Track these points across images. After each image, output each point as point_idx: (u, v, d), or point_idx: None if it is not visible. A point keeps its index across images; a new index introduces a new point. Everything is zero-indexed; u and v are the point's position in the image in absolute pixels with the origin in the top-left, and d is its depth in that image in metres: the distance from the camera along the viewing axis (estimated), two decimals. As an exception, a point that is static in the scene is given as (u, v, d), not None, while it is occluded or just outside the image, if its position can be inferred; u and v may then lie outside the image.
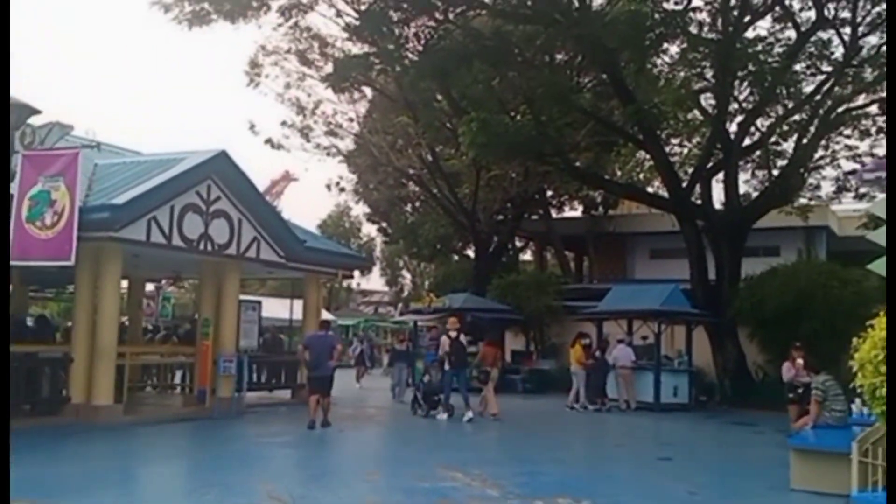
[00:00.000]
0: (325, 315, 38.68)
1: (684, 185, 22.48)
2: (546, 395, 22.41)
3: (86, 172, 14.72)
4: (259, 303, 17.80)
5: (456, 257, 35.48)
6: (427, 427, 14.62)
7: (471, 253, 33.32)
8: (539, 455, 11.29)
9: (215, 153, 14.95)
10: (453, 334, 15.77)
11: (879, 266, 7.12)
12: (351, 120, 30.89)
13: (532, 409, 19.07)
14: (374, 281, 63.20)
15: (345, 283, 56.93)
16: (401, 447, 12.57)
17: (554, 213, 34.44)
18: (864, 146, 24.47)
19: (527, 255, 41.92)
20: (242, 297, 17.52)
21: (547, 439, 13.33)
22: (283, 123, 29.24)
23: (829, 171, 26.03)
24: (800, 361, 12.12)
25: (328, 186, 35.70)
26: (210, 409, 15.44)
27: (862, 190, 25.43)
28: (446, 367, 15.57)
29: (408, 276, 61.54)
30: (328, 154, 31.21)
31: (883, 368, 5.79)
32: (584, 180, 25.68)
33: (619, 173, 31.80)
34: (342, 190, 35.57)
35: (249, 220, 15.84)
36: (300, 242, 16.93)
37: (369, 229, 48.75)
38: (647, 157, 32.08)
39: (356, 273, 58.82)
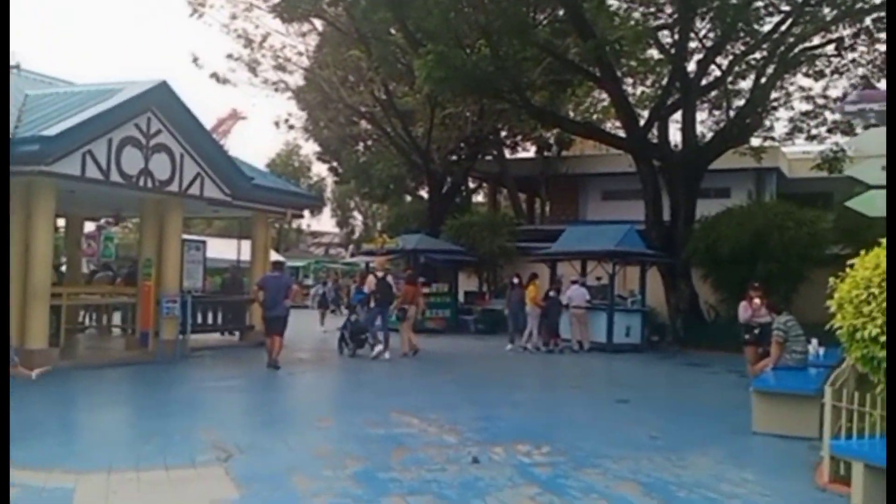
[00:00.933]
0: (275, 256, 38.09)
1: (641, 123, 22.12)
2: (498, 335, 22.23)
3: (15, 103, 13.78)
4: (204, 242, 17.13)
5: (409, 198, 34.84)
6: (381, 371, 14.26)
7: (424, 194, 32.77)
8: (495, 398, 11.02)
9: (156, 83, 14.05)
10: (380, 274, 16.59)
11: (859, 203, 6.82)
12: (300, 54, 29.77)
13: (485, 350, 18.86)
14: (324, 222, 62.37)
15: (294, 224, 56.21)
16: (355, 392, 12.19)
17: (508, 154, 34.00)
18: (818, 87, 24.42)
19: (480, 197, 41.50)
20: (187, 236, 16.90)
21: (502, 382, 13.08)
22: (230, 57, 28.03)
23: (782, 113, 26.03)
24: (756, 301, 11.90)
25: (276, 124, 34.72)
26: (153, 352, 14.86)
27: (814, 132, 25.52)
28: (372, 304, 16.15)
29: (359, 217, 60.79)
30: (276, 90, 30.14)
31: (865, 309, 5.51)
32: (540, 118, 25.14)
33: (572, 115, 31.36)
34: (291, 127, 34.52)
35: (192, 155, 15.03)
36: (247, 180, 16.18)
37: (320, 169, 47.76)
38: (603, 97, 31.85)
39: (306, 214, 58.03)
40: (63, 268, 21.05)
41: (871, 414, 6.06)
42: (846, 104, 6.67)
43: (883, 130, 6.66)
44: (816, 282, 17.88)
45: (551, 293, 18.85)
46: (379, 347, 15.74)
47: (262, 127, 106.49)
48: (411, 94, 26.45)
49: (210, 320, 17.87)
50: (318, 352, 17.32)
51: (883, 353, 5.42)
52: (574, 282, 19.66)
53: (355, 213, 61.03)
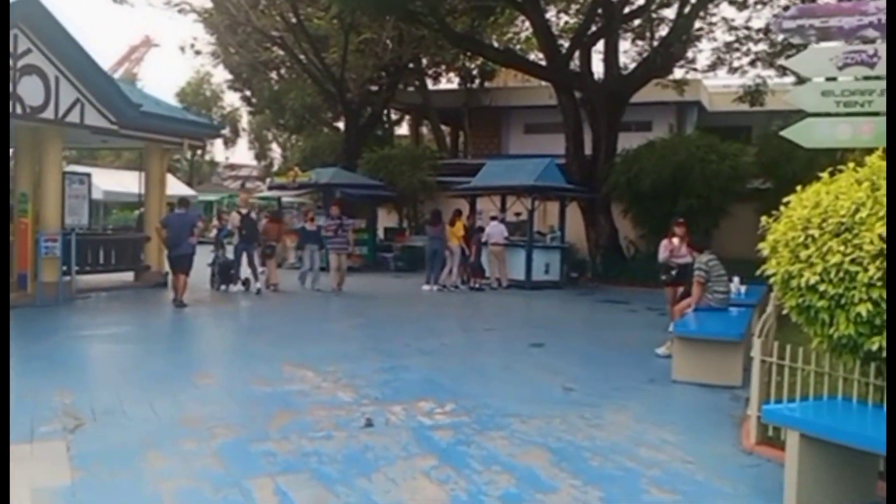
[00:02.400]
0: (184, 190, 36.29)
1: (563, 52, 21.23)
2: (418, 273, 21.42)
3: None
4: (88, 175, 15.64)
5: (326, 130, 33.30)
6: (283, 315, 13.30)
7: (342, 125, 31.34)
8: (404, 346, 10.21)
9: (20, -5, 12.41)
10: (244, 211, 16.41)
11: (795, 133, 6.09)
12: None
13: (403, 289, 18.06)
14: (242, 154, 60.07)
15: (207, 157, 53.92)
16: (249, 340, 11.19)
17: (430, 85, 32.75)
18: (741, 18, 23.94)
19: (403, 130, 40.20)
20: (78, 169, 15.46)
21: (415, 326, 12.27)
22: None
23: (705, 44, 25.52)
24: (675, 241, 11.20)
25: (182, 48, 32.47)
26: (32, 295, 13.54)
27: (736, 64, 25.12)
28: (236, 241, 16.31)
29: (278, 149, 58.64)
30: (180, 11, 28.04)
31: (803, 253, 4.79)
32: (460, 45, 23.93)
33: (495, 45, 30.25)
34: (198, 53, 32.38)
35: (69, 78, 13.48)
36: (134, 107, 14.70)
37: (233, 98, 45.50)
38: (525, 27, 30.84)
39: (220, 146, 55.89)
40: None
41: (804, 369, 5.43)
42: (784, 20, 5.90)
43: (825, 48, 5.92)
44: (738, 216, 17.72)
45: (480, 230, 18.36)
46: (257, 284, 16.15)
47: (174, 55, 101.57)
48: (324, 18, 24.87)
49: (102, 260, 16.49)
50: (215, 293, 16.19)
51: (822, 303, 4.74)
52: (493, 218, 18.90)
53: (273, 146, 58.87)
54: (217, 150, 55.60)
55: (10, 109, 12.51)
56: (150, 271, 17.08)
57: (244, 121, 52.01)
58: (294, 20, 25.14)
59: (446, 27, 21.30)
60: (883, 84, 5.68)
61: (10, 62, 12.41)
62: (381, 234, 25.77)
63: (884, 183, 4.66)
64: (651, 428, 6.28)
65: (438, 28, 21.12)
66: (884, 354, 4.49)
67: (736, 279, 10.85)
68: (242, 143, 56.70)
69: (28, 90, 12.76)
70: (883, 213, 4.49)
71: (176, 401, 6.91)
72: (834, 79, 6.09)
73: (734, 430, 6.19)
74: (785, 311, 5.37)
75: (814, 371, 5.39)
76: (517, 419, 6.43)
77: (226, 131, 52.40)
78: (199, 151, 52.12)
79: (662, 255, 11.23)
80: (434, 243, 18.11)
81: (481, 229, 18.81)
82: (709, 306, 9.50)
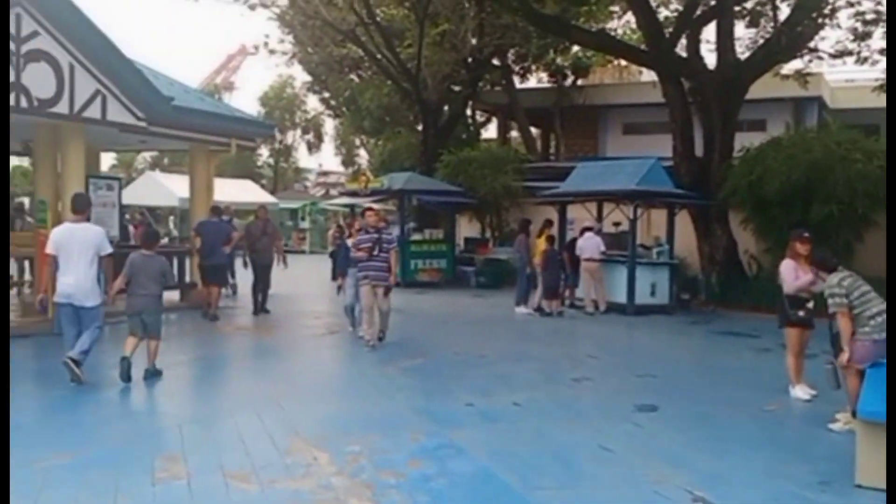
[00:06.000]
0: (267, 197, 34.86)
1: (668, 33, 18.28)
2: (503, 290, 18.95)
3: None
4: (118, 180, 13.87)
5: (403, 132, 31.06)
6: (324, 352, 10.98)
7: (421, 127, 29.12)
8: (462, 406, 7.68)
9: (21, -35, 10.52)
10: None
11: None
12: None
13: (481, 312, 15.60)
14: (330, 160, 58.70)
15: (290, 163, 52.77)
16: (261, 388, 8.86)
17: (518, 83, 30.16)
18: (869, 3, 20.33)
19: (490, 133, 37.71)
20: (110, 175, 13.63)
21: (482, 371, 9.66)
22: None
23: (828, 32, 21.98)
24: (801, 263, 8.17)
25: (256, 47, 30.85)
26: (53, 321, 11.62)
27: (864, 54, 21.59)
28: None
29: (364, 154, 56.96)
30: (251, 8, 26.35)
31: None
32: (546, 27, 21.13)
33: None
34: (272, 52, 30.67)
35: (87, 66, 11.56)
36: (165, 100, 12.68)
37: (315, 102, 43.99)
38: (623, 21, 28.00)
39: (305, 152, 54.61)
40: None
41: None
42: None
43: None
44: (884, 227, 14.45)
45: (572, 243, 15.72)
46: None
47: (259, 60, 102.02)
48: (397, 9, 22.66)
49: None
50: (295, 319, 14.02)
51: None
52: (587, 229, 16.16)
53: (362, 151, 57.26)
54: (301, 157, 54.37)
55: (15, 102, 10.66)
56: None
57: (328, 125, 50.59)
58: (364, 11, 22.95)
59: (530, 8, 18.67)
60: None
61: (13, 47, 10.54)
62: (461, 244, 23.38)
63: None
64: None
65: (521, 9, 18.50)
66: None
67: None
68: (329, 148, 55.34)
69: (35, 79, 10.88)
70: None
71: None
72: None
73: None
74: None
75: None
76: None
77: (309, 136, 51.21)
78: (281, 157, 51.22)
79: (796, 282, 8.16)
80: (520, 259, 15.61)
81: (572, 242, 16.13)
82: (871, 340, 6.61)
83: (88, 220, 8.59)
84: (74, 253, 8.03)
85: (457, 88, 26.66)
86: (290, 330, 12.70)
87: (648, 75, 25.15)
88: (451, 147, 23.38)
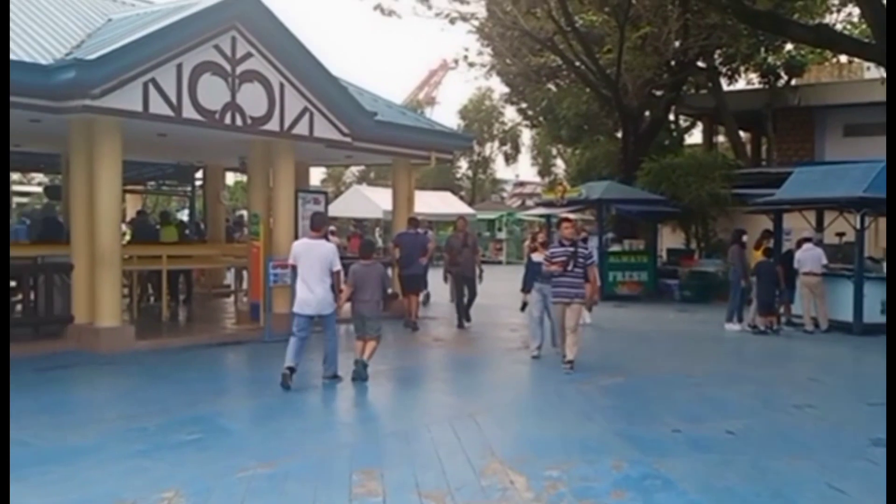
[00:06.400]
0: (465, 209, 35.42)
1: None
2: (710, 304, 17.90)
3: (89, 25, 11.54)
4: (325, 193, 14.34)
5: (602, 139, 30.27)
6: (518, 370, 10.70)
7: (620, 134, 28.25)
8: (669, 431, 7.10)
9: (238, -8, 11.16)
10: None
11: None
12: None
13: (685, 328, 14.75)
14: (527, 171, 58.67)
15: (488, 174, 53.28)
16: (435, 400, 8.68)
17: (725, 85, 28.51)
18: None
19: (694, 138, 36.02)
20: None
21: (689, 392, 8.96)
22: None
23: None
24: None
25: (455, 61, 31.29)
26: (262, 329, 12.24)
27: None
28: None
29: (561, 163, 56.44)
30: (451, 21, 26.75)
31: None
32: (759, 24, 19.65)
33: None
34: (471, 65, 30.96)
35: (296, 85, 12.08)
36: (369, 115, 13.02)
37: (512, 113, 44.11)
38: (847, 13, 25.77)
39: (502, 163, 54.93)
40: (202, 224, 19.40)
41: None
42: None
43: None
44: None
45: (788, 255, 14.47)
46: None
47: (458, 73, 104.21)
48: (596, 14, 22.09)
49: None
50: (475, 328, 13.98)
51: None
52: (805, 240, 14.81)
53: (558, 161, 56.81)
54: (499, 168, 54.79)
55: (231, 121, 11.32)
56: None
57: (525, 135, 50.60)
58: (563, 19, 22.58)
59: (741, 5, 17.48)
60: None
61: (228, 68, 11.20)
62: (664, 256, 22.37)
63: None
64: None
65: (731, 7, 17.37)
66: None
67: None
68: (526, 159, 55.35)
69: (249, 99, 11.50)
70: None
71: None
72: None
73: None
74: None
75: None
76: None
77: (506, 147, 51.48)
78: (479, 169, 51.90)
79: None
80: (735, 272, 14.58)
81: (789, 254, 14.87)
82: None
83: (326, 237, 9.45)
84: (311, 266, 8.69)
85: (658, 93, 25.58)
86: (485, 342, 12.58)
87: (873, 71, 22.92)
88: (652, 154, 22.43)
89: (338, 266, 8.78)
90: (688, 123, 33.73)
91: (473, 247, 14.39)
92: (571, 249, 9.85)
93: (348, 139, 12.94)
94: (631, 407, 8.16)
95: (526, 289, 11.23)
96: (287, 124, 12.03)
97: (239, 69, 11.33)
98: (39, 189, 25.18)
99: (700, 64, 25.81)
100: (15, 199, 29.25)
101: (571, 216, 12.97)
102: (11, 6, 10.84)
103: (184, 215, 26.17)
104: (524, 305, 11.54)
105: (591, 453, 6.24)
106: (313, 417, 7.73)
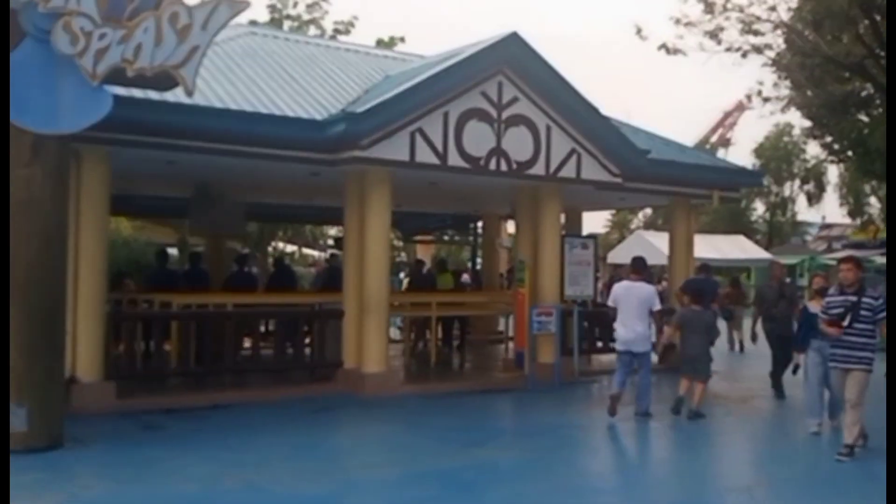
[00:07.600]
0: (761, 253, 32.73)
1: None
2: None
3: (367, 81, 12.14)
4: (594, 238, 13.66)
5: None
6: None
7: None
8: None
9: (504, 36, 10.99)
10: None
11: None
12: (772, 9, 24.12)
13: None
14: (834, 212, 53.19)
15: (788, 216, 49.02)
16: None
17: None
18: None
19: None
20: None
21: None
22: (677, 21, 23.77)
23: None
24: None
25: (748, 97, 29.13)
26: (526, 378, 11.85)
27: None
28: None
29: (875, 201, 50.34)
30: (743, 55, 24.95)
31: None
32: None
33: None
34: (766, 100, 28.62)
35: (563, 127, 11.65)
36: (641, 154, 12.21)
37: (815, 149, 40.18)
38: None
39: (804, 202, 50.24)
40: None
41: None
42: None
43: None
44: None
45: None
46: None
47: (754, 110, 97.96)
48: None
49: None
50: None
51: None
52: None
53: (871, 199, 50.78)
54: (800, 208, 50.24)
55: (496, 167, 11.15)
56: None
57: (831, 172, 45.96)
58: (875, 42, 20.01)
59: None
60: None
61: (494, 113, 11.05)
62: None
63: None
64: None
65: None
66: None
67: None
68: (833, 199, 50.19)
69: (514, 143, 11.27)
70: None
71: None
72: None
73: None
74: None
75: None
76: None
77: (809, 186, 47.17)
78: (778, 211, 47.96)
79: None
80: None
81: None
82: None
83: (647, 280, 10.08)
84: (630, 305, 9.32)
85: None
86: (778, 411, 10.95)
87: None
88: None
89: (658, 306, 9.45)
90: None
91: (791, 298, 11.64)
92: (853, 299, 7.73)
93: (618, 179, 12.22)
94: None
95: (799, 348, 9.43)
96: (553, 167, 11.60)
97: (505, 114, 11.14)
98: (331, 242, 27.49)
99: None
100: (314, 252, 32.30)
101: (856, 254, 10.86)
102: (296, 70, 11.76)
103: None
104: (796, 368, 9.77)
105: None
106: (559, 478, 6.99)
